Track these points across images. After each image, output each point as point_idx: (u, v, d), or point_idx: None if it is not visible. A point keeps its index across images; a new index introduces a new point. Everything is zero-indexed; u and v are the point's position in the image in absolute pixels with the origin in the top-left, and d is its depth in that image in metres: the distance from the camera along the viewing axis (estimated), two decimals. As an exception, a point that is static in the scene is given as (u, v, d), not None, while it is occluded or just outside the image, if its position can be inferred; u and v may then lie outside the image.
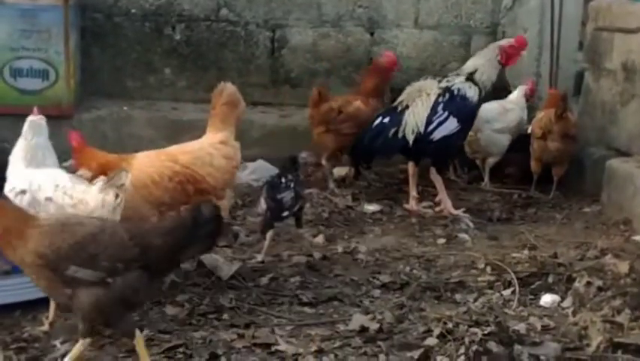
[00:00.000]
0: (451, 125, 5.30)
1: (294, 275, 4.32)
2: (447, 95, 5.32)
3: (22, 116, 6.06)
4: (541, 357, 3.43)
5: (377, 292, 4.17)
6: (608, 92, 5.90)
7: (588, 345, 3.59)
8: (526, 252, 4.70)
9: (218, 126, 4.13)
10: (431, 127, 5.28)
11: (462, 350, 3.39)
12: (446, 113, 5.29)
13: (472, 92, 5.34)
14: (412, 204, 5.45)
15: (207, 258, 4.29)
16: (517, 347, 3.41)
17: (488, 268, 4.46)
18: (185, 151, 4.10)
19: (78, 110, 6.36)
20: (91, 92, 6.64)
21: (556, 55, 6.34)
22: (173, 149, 4.14)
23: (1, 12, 6.10)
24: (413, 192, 5.46)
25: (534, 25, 6.64)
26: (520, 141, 5.96)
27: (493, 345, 3.39)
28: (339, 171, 6.14)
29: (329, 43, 6.87)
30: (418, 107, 5.31)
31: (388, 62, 6.07)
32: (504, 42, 5.60)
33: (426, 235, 5.07)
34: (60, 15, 6.13)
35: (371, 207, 5.48)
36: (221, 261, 4.28)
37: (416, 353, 3.49)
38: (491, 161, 6.01)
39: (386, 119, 5.36)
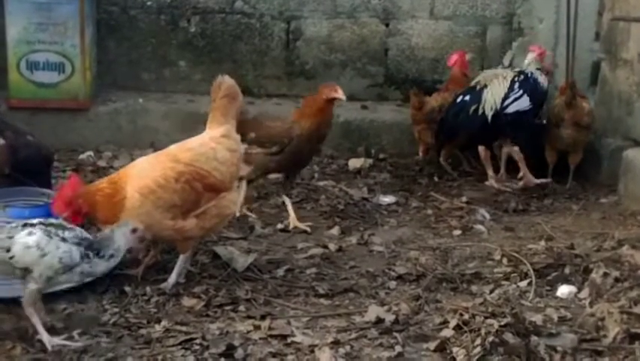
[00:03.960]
0: (524, 102, 5.69)
1: (309, 267, 4.33)
2: (522, 77, 5.74)
3: (39, 110, 6.22)
4: (558, 348, 3.42)
5: (393, 284, 4.17)
6: (625, 83, 5.86)
7: (605, 336, 3.58)
8: (542, 243, 4.67)
9: (219, 120, 4.08)
10: (507, 102, 5.65)
11: (478, 341, 3.38)
12: (521, 91, 5.70)
13: (542, 79, 5.78)
14: (493, 183, 5.76)
15: (223, 250, 4.30)
16: (533, 338, 3.41)
17: (504, 260, 4.45)
18: (186, 149, 4.01)
19: (94, 103, 6.39)
20: (106, 84, 6.67)
21: (573, 45, 6.29)
22: (173, 148, 4.06)
23: (17, 6, 6.12)
24: (490, 172, 5.79)
25: (550, 15, 6.60)
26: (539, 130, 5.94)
27: (509, 336, 3.39)
28: (354, 163, 6.14)
29: (344, 34, 6.84)
30: (495, 87, 5.70)
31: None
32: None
33: (441, 226, 5.06)
34: (75, 8, 6.14)
35: (386, 199, 5.47)
36: (237, 253, 4.29)
37: (432, 345, 3.49)
38: (506, 150, 5.97)
39: (467, 97, 5.72)
